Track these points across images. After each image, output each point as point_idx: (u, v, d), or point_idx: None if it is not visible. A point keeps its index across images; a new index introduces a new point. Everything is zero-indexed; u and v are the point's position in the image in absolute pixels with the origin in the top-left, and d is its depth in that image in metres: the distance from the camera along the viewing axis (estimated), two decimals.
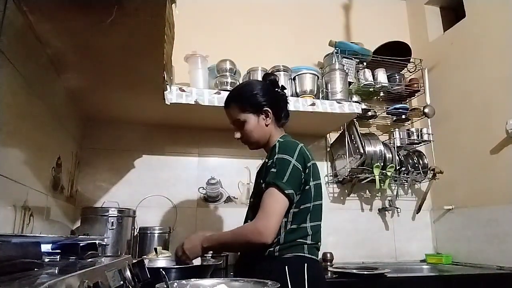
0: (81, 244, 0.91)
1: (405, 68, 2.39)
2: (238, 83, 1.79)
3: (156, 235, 1.74)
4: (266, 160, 1.18)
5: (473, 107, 2.04)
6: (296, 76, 1.96)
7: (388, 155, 2.14)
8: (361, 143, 2.01)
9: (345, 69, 2.04)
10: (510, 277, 1.67)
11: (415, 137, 2.27)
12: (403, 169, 2.20)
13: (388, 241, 2.23)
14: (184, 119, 1.93)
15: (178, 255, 1.14)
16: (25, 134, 1.10)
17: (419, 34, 2.54)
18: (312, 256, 1.08)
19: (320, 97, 1.97)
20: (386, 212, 2.25)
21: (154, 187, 1.93)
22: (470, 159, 2.04)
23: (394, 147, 2.19)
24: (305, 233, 1.09)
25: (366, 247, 2.16)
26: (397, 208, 2.21)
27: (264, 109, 1.21)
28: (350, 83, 2.08)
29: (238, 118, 1.22)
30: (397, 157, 2.17)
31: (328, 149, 2.27)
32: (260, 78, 1.61)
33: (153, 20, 1.02)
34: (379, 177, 2.07)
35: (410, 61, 2.35)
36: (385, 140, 2.27)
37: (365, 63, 2.24)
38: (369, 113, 2.21)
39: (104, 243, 1.49)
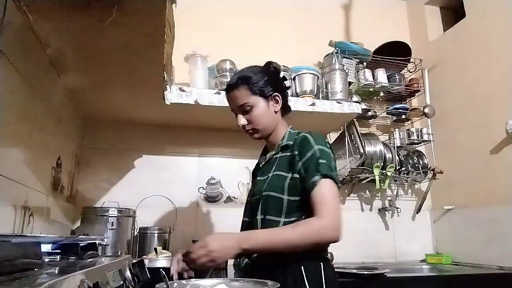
0: (81, 244, 0.91)
1: (405, 68, 2.39)
2: None
3: (156, 235, 1.74)
4: (282, 152, 1.10)
5: (473, 107, 2.04)
6: (296, 76, 1.96)
7: (388, 155, 2.14)
8: (361, 143, 2.01)
9: (345, 69, 2.04)
10: (510, 277, 1.67)
11: (415, 137, 2.27)
12: (403, 169, 2.20)
13: (388, 241, 2.23)
14: (184, 119, 1.93)
15: (197, 257, 0.91)
16: (25, 134, 1.10)
17: (419, 34, 2.54)
18: (327, 256, 1.05)
19: (320, 97, 1.97)
20: (386, 212, 2.25)
21: (154, 187, 1.93)
22: (470, 159, 2.04)
23: (394, 147, 2.19)
24: None
25: (366, 247, 2.16)
26: (397, 208, 2.21)
27: (274, 94, 1.14)
28: (350, 83, 2.08)
29: (246, 102, 1.10)
30: (397, 157, 2.17)
31: None
32: None
33: (153, 20, 1.01)
34: (379, 177, 2.07)
35: (410, 61, 2.35)
36: (385, 140, 2.27)
37: (365, 63, 2.24)
38: (369, 113, 2.21)
39: (104, 243, 1.49)
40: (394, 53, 2.26)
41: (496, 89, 1.91)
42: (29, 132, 1.14)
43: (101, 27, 1.00)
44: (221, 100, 1.70)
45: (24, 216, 1.10)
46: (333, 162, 1.03)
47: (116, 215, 1.61)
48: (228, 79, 1.82)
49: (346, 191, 2.24)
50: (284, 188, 1.03)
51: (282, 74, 1.24)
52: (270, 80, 1.13)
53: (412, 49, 2.35)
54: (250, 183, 1.36)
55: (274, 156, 1.13)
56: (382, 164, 2.10)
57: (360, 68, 2.21)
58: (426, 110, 2.19)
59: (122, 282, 0.80)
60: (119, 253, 1.56)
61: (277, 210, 1.03)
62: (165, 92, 1.56)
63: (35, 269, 0.62)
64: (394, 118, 2.32)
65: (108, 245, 1.55)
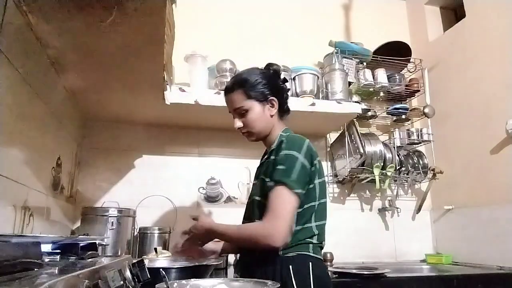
0: (81, 244, 0.91)
1: (405, 68, 2.39)
2: None
3: (156, 235, 1.74)
4: (269, 156, 1.13)
5: (473, 107, 2.04)
6: (296, 76, 1.96)
7: (388, 155, 2.14)
8: (361, 143, 2.01)
9: (345, 69, 2.04)
10: (510, 277, 1.67)
11: (415, 137, 2.27)
12: (403, 169, 2.20)
13: (388, 241, 2.23)
14: (184, 119, 1.93)
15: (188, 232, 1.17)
16: (25, 134, 1.11)
17: (419, 34, 2.54)
18: (316, 255, 1.05)
19: (320, 97, 1.97)
20: (386, 212, 2.25)
21: (154, 187, 1.93)
22: (470, 159, 2.04)
23: (394, 147, 2.19)
24: (311, 233, 1.05)
25: (366, 247, 2.16)
26: (397, 208, 2.21)
27: (270, 98, 1.15)
28: (350, 83, 2.09)
29: (241, 106, 1.13)
30: (397, 157, 2.17)
31: (328, 149, 2.27)
32: None
33: (153, 20, 1.02)
34: (379, 177, 2.07)
35: (410, 61, 2.35)
36: (385, 140, 2.27)
37: (365, 63, 2.24)
38: (369, 113, 2.21)
39: (104, 243, 1.49)
40: (394, 53, 2.26)
41: (496, 89, 1.91)
42: (29, 132, 1.14)
43: (101, 27, 1.01)
44: (221, 100, 1.68)
45: (24, 216, 1.10)
46: (296, 168, 1.02)
47: (116, 215, 1.61)
48: (228, 79, 1.82)
49: (346, 191, 2.24)
50: (264, 192, 1.06)
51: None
52: (267, 83, 1.14)
53: (412, 49, 2.35)
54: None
55: (266, 160, 1.16)
56: (382, 164, 2.09)
57: (360, 68, 2.21)
58: (426, 110, 2.19)
59: (122, 282, 0.79)
60: (119, 253, 1.56)
61: (260, 213, 1.05)
62: (165, 92, 1.56)
63: (35, 269, 0.62)
64: (394, 118, 2.32)
65: (108, 245, 1.55)
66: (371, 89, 2.23)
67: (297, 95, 1.93)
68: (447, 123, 2.22)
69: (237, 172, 2.09)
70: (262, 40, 2.28)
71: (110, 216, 1.60)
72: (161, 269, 0.78)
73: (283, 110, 1.21)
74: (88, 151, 1.91)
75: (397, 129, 2.30)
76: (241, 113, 1.14)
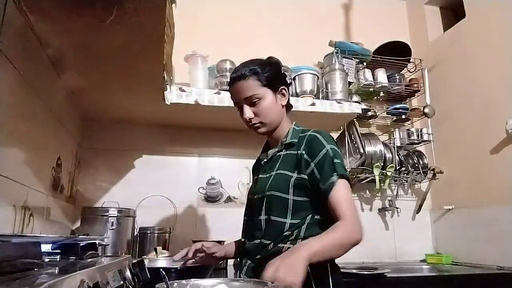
0: (81, 244, 0.91)
1: (405, 68, 2.39)
2: None
3: (156, 235, 1.74)
4: (286, 148, 1.07)
5: (473, 107, 2.04)
6: (296, 76, 1.96)
7: (388, 155, 2.14)
8: (361, 143, 2.01)
9: (345, 69, 2.04)
10: (510, 277, 1.67)
11: (415, 137, 2.27)
12: (403, 169, 2.20)
13: (388, 241, 2.23)
14: (184, 119, 1.93)
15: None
16: (25, 134, 1.10)
17: (419, 34, 2.54)
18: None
19: (320, 97, 1.97)
20: (386, 212, 2.25)
21: (154, 187, 1.93)
22: (470, 159, 2.04)
23: (394, 147, 2.19)
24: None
25: (366, 247, 2.15)
26: (397, 208, 2.21)
27: (281, 87, 1.11)
28: (350, 83, 2.08)
29: (255, 93, 1.06)
30: (397, 157, 2.17)
31: None
32: None
33: (153, 20, 1.02)
34: (379, 177, 2.07)
35: (410, 61, 2.35)
36: (385, 140, 2.27)
37: (365, 63, 2.24)
38: (369, 113, 2.21)
39: (104, 243, 1.49)
40: (394, 53, 2.26)
41: (496, 89, 1.91)
42: (29, 132, 1.14)
43: (101, 27, 1.01)
44: (221, 100, 1.70)
45: (24, 216, 1.10)
46: (344, 162, 1.01)
47: (116, 215, 1.61)
48: (228, 79, 1.82)
49: None
50: (289, 187, 1.00)
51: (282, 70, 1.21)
52: (277, 72, 1.12)
53: (412, 49, 2.35)
54: (251, 180, 1.32)
55: (277, 154, 1.10)
56: (382, 164, 2.09)
57: (360, 68, 2.21)
58: (426, 110, 2.19)
59: (122, 282, 0.79)
60: (119, 253, 1.56)
61: (282, 210, 1.00)
62: (165, 92, 1.56)
63: (35, 269, 0.62)
64: (394, 118, 2.32)
65: (108, 245, 1.55)
66: (371, 89, 2.23)
67: (297, 95, 1.93)
68: (447, 123, 2.22)
69: (237, 172, 2.09)
70: (262, 40, 2.27)
71: (110, 216, 1.60)
72: (161, 269, 0.78)
73: (288, 104, 1.17)
74: (88, 151, 1.91)
75: (397, 129, 2.30)
76: (253, 101, 1.06)
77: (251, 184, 1.26)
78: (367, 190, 2.29)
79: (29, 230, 1.14)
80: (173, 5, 1.07)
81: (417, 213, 2.28)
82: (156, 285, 0.71)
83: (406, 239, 2.25)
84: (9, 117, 0.98)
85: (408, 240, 2.25)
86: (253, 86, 1.06)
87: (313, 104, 1.84)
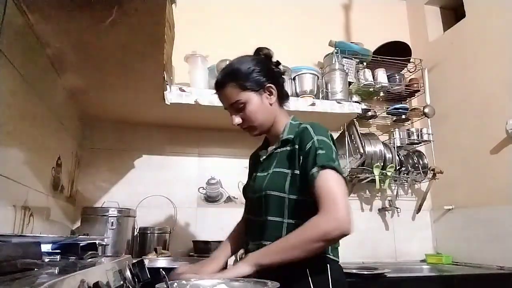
0: (81, 244, 0.91)
1: (405, 68, 2.39)
2: None
3: (156, 235, 1.74)
4: (283, 146, 1.04)
5: (473, 107, 2.04)
6: (296, 76, 1.96)
7: (388, 155, 2.14)
8: (361, 143, 2.01)
9: (345, 69, 2.04)
10: (510, 277, 1.67)
11: (415, 137, 2.27)
12: (403, 169, 2.20)
13: (388, 241, 2.23)
14: (184, 119, 1.93)
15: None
16: (25, 134, 1.10)
17: (419, 34, 2.54)
18: (335, 258, 1.00)
19: (320, 97, 1.97)
20: (386, 212, 2.25)
21: (154, 187, 1.93)
22: (470, 159, 2.04)
23: (394, 147, 2.19)
24: None
25: (366, 247, 2.16)
26: (397, 208, 2.21)
27: (267, 85, 1.05)
28: (350, 83, 2.09)
29: (238, 100, 1.03)
30: (397, 157, 2.17)
31: None
32: None
33: (153, 20, 1.01)
34: (379, 177, 2.07)
35: (410, 61, 2.35)
36: (385, 140, 2.27)
37: (365, 63, 2.24)
38: (369, 113, 2.21)
39: (104, 243, 1.49)
40: (394, 53, 2.26)
41: (496, 89, 1.91)
42: (29, 132, 1.14)
43: (101, 27, 1.01)
44: None
45: (24, 216, 1.10)
46: (334, 153, 0.95)
47: (116, 215, 1.61)
48: None
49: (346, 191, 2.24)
50: (285, 186, 0.98)
51: (275, 59, 1.15)
52: (261, 70, 1.05)
53: (412, 49, 2.35)
54: (247, 175, 1.29)
55: (275, 151, 1.07)
56: (382, 164, 2.10)
57: (360, 68, 2.21)
58: (426, 110, 2.19)
59: (122, 282, 0.80)
60: (119, 253, 1.56)
61: (279, 210, 0.97)
62: (165, 92, 1.56)
63: (35, 269, 0.62)
64: (394, 118, 2.32)
65: (108, 245, 1.55)
66: (371, 89, 2.23)
67: (297, 95, 1.93)
68: (447, 123, 2.22)
69: (237, 172, 2.09)
70: (262, 40, 2.24)
71: (110, 216, 1.60)
72: (161, 269, 0.78)
73: (282, 96, 1.12)
74: (88, 151, 1.91)
75: (397, 129, 2.30)
76: (238, 107, 1.04)
77: (248, 179, 1.23)
78: (367, 190, 2.29)
79: (29, 230, 1.14)
80: (173, 5, 1.07)
81: (417, 213, 2.28)
82: (156, 285, 0.71)
83: (406, 239, 2.25)
84: (9, 117, 0.98)
85: (408, 240, 2.25)
86: (234, 93, 1.03)
87: (313, 104, 1.84)
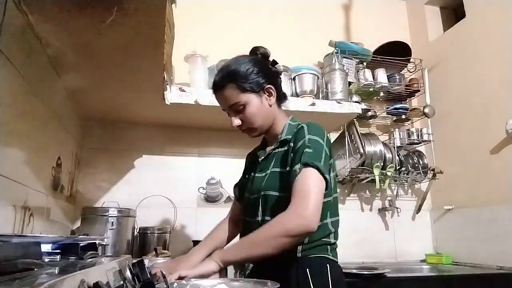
0: (81, 244, 0.91)
1: (405, 68, 2.39)
2: None
3: (156, 235, 1.73)
4: (281, 146, 1.04)
5: (473, 107, 2.04)
6: (296, 76, 1.96)
7: (388, 155, 2.14)
8: (361, 143, 2.01)
9: (345, 69, 2.04)
10: (510, 277, 1.67)
11: (415, 137, 2.27)
12: (403, 169, 2.20)
13: (388, 241, 2.23)
14: (184, 119, 1.93)
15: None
16: (25, 134, 1.10)
17: (419, 34, 2.54)
18: (334, 258, 1.00)
19: (320, 97, 1.97)
20: (386, 212, 2.25)
21: (154, 187, 1.93)
22: (470, 159, 2.04)
23: (394, 147, 2.19)
24: (328, 230, 0.98)
25: (366, 247, 2.16)
26: (397, 208, 2.21)
27: (266, 87, 1.04)
28: (350, 83, 2.08)
29: (237, 101, 1.02)
30: (397, 157, 2.17)
31: None
32: None
33: (153, 20, 1.01)
34: (379, 177, 2.07)
35: (410, 61, 2.35)
36: (385, 140, 2.27)
37: (365, 63, 2.24)
38: (369, 113, 2.21)
39: (104, 243, 1.49)
40: (394, 53, 2.26)
41: (496, 89, 1.91)
42: (29, 132, 1.14)
43: (101, 27, 1.01)
44: None
45: (24, 216, 1.10)
46: (323, 153, 0.94)
47: (116, 215, 1.61)
48: None
49: (346, 191, 2.24)
50: (281, 185, 0.98)
51: (282, 77, 1.16)
52: (259, 71, 1.04)
53: (412, 49, 2.35)
54: (242, 174, 1.30)
55: (273, 151, 1.07)
56: (382, 164, 2.10)
57: (360, 68, 2.21)
58: (426, 110, 2.19)
59: (122, 282, 0.79)
60: (119, 253, 1.56)
61: (275, 210, 0.97)
62: (165, 92, 1.56)
63: (35, 269, 0.62)
64: (394, 118, 2.32)
65: (108, 245, 1.55)
66: (371, 89, 2.23)
67: (297, 95, 1.93)
68: (447, 123, 2.22)
69: (237, 172, 2.08)
70: (262, 40, 2.25)
71: (110, 216, 1.60)
72: (161, 269, 0.78)
73: (280, 97, 1.11)
74: (88, 151, 1.91)
75: (397, 129, 2.30)
76: (238, 109, 1.03)
77: (245, 177, 1.23)
78: (367, 190, 2.29)
79: (29, 230, 1.14)
80: (173, 5, 1.07)
81: (417, 213, 2.28)
82: (156, 285, 0.71)
83: (406, 239, 2.25)
84: (9, 117, 0.98)
85: (408, 240, 2.25)
86: (234, 95, 1.02)
87: (313, 104, 1.84)
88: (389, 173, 2.10)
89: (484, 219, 1.92)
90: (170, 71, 1.50)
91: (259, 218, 1.02)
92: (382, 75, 2.21)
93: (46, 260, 0.76)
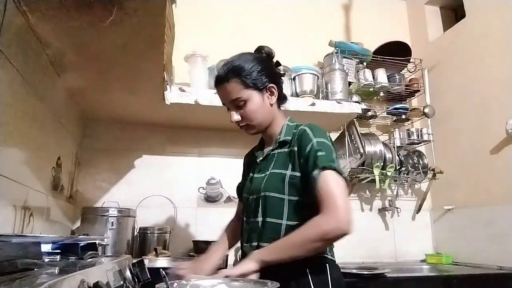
0: (81, 244, 0.91)
1: (405, 68, 2.39)
2: None
3: (156, 235, 1.74)
4: (280, 147, 1.05)
5: (473, 107, 2.04)
6: (296, 76, 1.96)
7: (388, 155, 2.14)
8: (361, 143, 2.01)
9: (345, 69, 2.04)
10: (510, 277, 1.67)
11: (415, 137, 2.27)
12: (403, 169, 2.20)
13: (388, 241, 2.23)
14: (184, 119, 1.93)
15: None
16: (25, 134, 1.10)
17: (419, 34, 2.54)
18: (333, 258, 1.00)
19: (320, 97, 1.97)
20: (386, 212, 2.25)
21: (154, 187, 1.93)
22: (470, 159, 2.04)
23: (394, 147, 2.19)
24: None
25: (366, 247, 2.16)
26: (397, 208, 2.21)
27: (269, 85, 1.05)
28: (350, 83, 2.08)
29: (239, 97, 1.02)
30: (397, 157, 2.17)
31: None
32: None
33: (153, 20, 1.02)
34: (379, 177, 2.07)
35: (410, 61, 2.35)
36: (385, 140, 2.27)
37: (365, 63, 2.24)
38: (369, 113, 2.21)
39: (104, 243, 1.49)
40: (394, 53, 2.26)
41: (496, 89, 1.91)
42: (29, 132, 1.14)
43: (101, 27, 1.01)
44: None
45: (24, 216, 1.10)
46: (333, 154, 0.96)
47: (116, 215, 1.61)
48: None
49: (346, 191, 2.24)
50: (284, 187, 0.98)
51: (275, 59, 1.14)
52: (264, 69, 1.04)
53: (412, 49, 2.35)
54: (241, 175, 1.28)
55: (272, 152, 1.07)
56: (382, 164, 2.09)
57: (360, 68, 2.21)
58: (426, 110, 2.19)
59: (122, 282, 0.80)
60: (119, 253, 1.56)
61: (278, 211, 0.97)
62: (165, 92, 1.56)
63: (35, 269, 0.62)
64: (394, 118, 2.32)
65: (108, 245, 1.55)
66: (371, 89, 2.23)
67: (297, 95, 1.93)
68: (447, 123, 2.22)
69: (237, 172, 2.08)
70: (262, 40, 2.24)
71: (110, 216, 1.60)
72: (161, 269, 0.78)
73: (281, 97, 1.11)
74: (88, 151, 1.91)
75: (397, 129, 2.30)
76: (239, 105, 1.03)
77: (244, 178, 1.23)
78: (367, 190, 2.29)
79: (29, 230, 1.14)
80: (173, 5, 1.07)
81: (417, 213, 2.28)
82: (156, 285, 0.71)
83: (406, 239, 2.25)
84: (9, 117, 0.98)
85: (408, 240, 2.25)
86: (237, 90, 1.02)
87: (313, 104, 1.84)
88: (389, 173, 2.10)
89: (484, 219, 1.92)
90: (170, 71, 1.50)
91: (260, 219, 1.01)
92: (382, 75, 2.21)
93: (46, 260, 0.76)
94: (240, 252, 1.20)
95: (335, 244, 1.04)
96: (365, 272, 1.55)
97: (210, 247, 1.25)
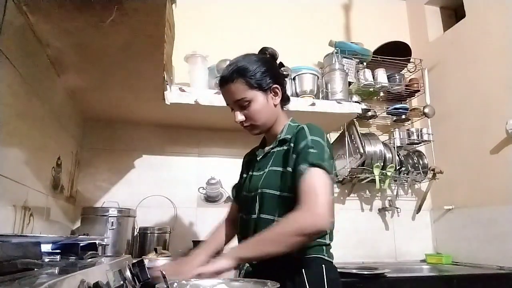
0: (81, 244, 0.91)
1: (405, 68, 2.39)
2: None
3: (156, 235, 1.74)
4: (280, 145, 1.06)
5: (473, 107, 2.04)
6: (296, 76, 1.96)
7: (388, 155, 2.14)
8: (361, 143, 2.01)
9: (345, 69, 2.04)
10: (510, 277, 1.67)
11: (415, 137, 2.27)
12: (403, 169, 2.20)
13: (388, 241, 2.23)
14: (184, 119, 1.93)
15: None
16: (25, 134, 1.10)
17: (419, 34, 2.54)
18: (330, 259, 1.01)
19: (320, 97, 1.97)
20: (386, 212, 2.25)
21: (154, 187, 1.93)
22: (470, 159, 2.04)
23: (394, 147, 2.19)
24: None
25: (366, 247, 2.16)
26: (397, 208, 2.21)
27: (273, 86, 1.06)
28: (350, 83, 2.08)
29: (244, 97, 1.03)
30: (397, 157, 2.17)
31: None
32: None
33: (153, 20, 1.01)
34: (379, 177, 2.07)
35: (410, 61, 2.35)
36: (385, 140, 2.27)
37: (365, 63, 2.24)
38: (369, 113, 2.21)
39: (104, 243, 1.49)
40: (394, 53, 2.26)
41: (496, 89, 1.91)
42: (29, 132, 1.14)
43: (101, 27, 1.01)
44: (221, 100, 1.68)
45: (24, 216, 1.10)
46: (326, 154, 0.96)
47: (116, 215, 1.61)
48: None
49: (346, 191, 2.24)
50: (279, 183, 0.99)
51: (278, 60, 1.17)
52: (268, 70, 1.06)
53: (412, 49, 2.35)
54: (239, 175, 1.28)
55: (272, 150, 1.09)
56: (382, 164, 2.09)
57: (360, 68, 2.21)
58: (426, 110, 2.19)
59: (122, 282, 0.79)
60: (119, 253, 1.56)
61: (272, 208, 0.99)
62: (165, 92, 1.56)
63: (35, 269, 0.62)
64: (394, 118, 2.32)
65: (108, 245, 1.55)
66: (371, 89, 2.23)
67: (297, 95, 1.93)
68: (447, 123, 2.22)
69: (237, 172, 2.08)
70: (262, 40, 2.25)
71: (110, 216, 1.60)
72: (161, 269, 0.78)
73: (284, 98, 1.13)
74: (88, 151, 1.91)
75: (397, 129, 2.30)
76: (243, 105, 1.04)
77: (242, 177, 1.24)
78: (367, 190, 2.29)
79: (29, 230, 1.14)
80: (173, 5, 1.07)
81: (417, 213, 2.28)
82: (156, 285, 0.71)
83: (406, 239, 2.25)
84: (9, 117, 0.98)
85: (408, 240, 2.25)
86: (242, 90, 1.03)
87: (313, 104, 1.84)
88: (389, 173, 2.10)
89: (484, 219, 1.92)
90: (170, 71, 1.50)
91: (255, 216, 1.02)
92: (382, 75, 2.21)
93: (46, 260, 0.76)
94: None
95: (333, 244, 1.05)
96: (365, 272, 1.55)
97: (194, 249, 1.23)
